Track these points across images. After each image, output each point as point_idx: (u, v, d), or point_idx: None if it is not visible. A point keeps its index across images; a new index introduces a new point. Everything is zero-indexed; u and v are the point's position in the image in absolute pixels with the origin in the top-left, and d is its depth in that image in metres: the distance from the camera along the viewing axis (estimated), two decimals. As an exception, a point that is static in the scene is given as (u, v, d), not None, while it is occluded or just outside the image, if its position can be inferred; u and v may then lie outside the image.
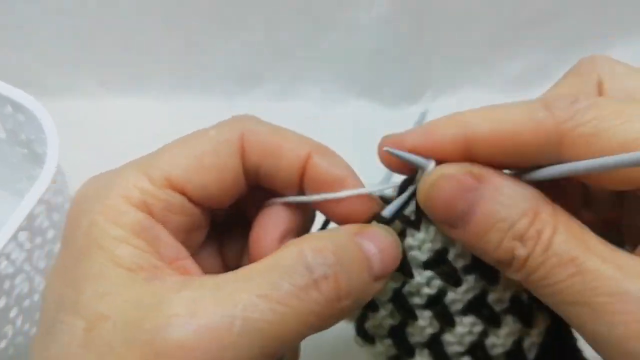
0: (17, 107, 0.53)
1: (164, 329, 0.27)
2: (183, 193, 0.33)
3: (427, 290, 0.35)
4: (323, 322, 0.30)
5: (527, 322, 0.36)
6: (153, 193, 0.32)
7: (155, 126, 0.72)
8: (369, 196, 0.35)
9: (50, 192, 0.50)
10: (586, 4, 0.72)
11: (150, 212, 0.32)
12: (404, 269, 0.35)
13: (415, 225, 0.35)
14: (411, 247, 0.35)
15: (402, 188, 0.35)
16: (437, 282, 0.35)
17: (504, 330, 0.36)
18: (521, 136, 0.31)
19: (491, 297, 0.36)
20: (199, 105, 0.75)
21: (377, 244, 0.32)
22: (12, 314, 0.50)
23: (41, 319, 0.31)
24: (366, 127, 0.74)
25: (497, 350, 0.36)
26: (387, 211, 0.34)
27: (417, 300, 0.35)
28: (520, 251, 0.30)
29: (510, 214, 0.30)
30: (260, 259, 0.31)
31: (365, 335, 0.37)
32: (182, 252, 0.34)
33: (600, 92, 0.34)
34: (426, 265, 0.35)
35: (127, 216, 0.31)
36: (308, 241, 0.31)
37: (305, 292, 0.29)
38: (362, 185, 0.35)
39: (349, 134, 0.74)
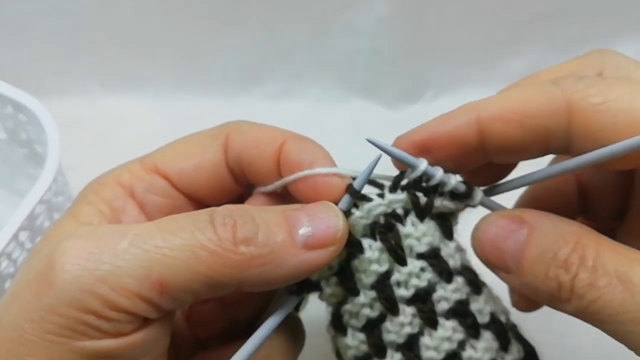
0: (18, 107, 0.53)
1: (61, 241, 0.30)
2: (166, 178, 0.36)
3: (415, 282, 0.35)
4: (217, 262, 0.30)
5: (503, 344, 0.36)
6: (139, 175, 0.36)
7: (155, 126, 0.72)
8: (339, 176, 0.35)
9: (51, 192, 0.50)
10: (586, 4, 0.72)
11: (132, 191, 0.36)
12: (353, 246, 0.34)
13: (420, 216, 0.35)
14: (409, 236, 0.35)
15: (394, 184, 0.35)
16: (429, 275, 0.35)
17: (482, 344, 0.35)
18: (531, 109, 0.33)
19: (474, 306, 0.36)
20: (199, 105, 0.75)
21: (309, 212, 0.33)
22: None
23: None
24: (366, 127, 0.75)
25: None
26: (357, 183, 0.34)
27: (403, 292, 0.35)
28: (564, 277, 0.30)
29: (553, 244, 0.31)
30: None
31: (338, 322, 0.36)
32: None
33: None
34: (421, 256, 0.35)
35: (107, 188, 0.36)
36: None
37: (199, 229, 0.30)
38: (334, 166, 0.35)
39: (349, 134, 0.74)
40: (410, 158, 0.34)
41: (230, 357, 0.33)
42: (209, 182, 0.37)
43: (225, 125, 0.37)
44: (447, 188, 0.35)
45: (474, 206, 0.37)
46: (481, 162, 0.36)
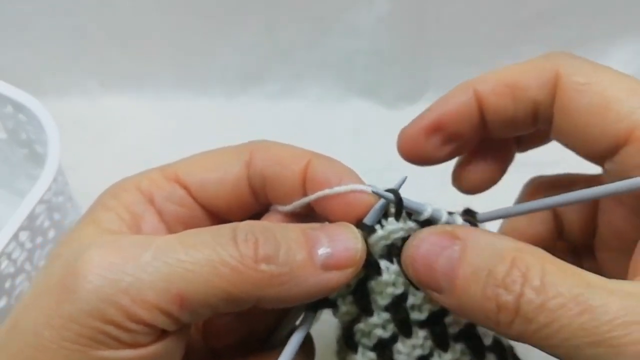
0: (18, 107, 0.53)
1: (84, 250, 0.30)
2: (186, 188, 0.36)
3: (430, 306, 0.35)
4: (237, 279, 0.30)
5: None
6: (159, 183, 0.36)
7: (155, 126, 0.72)
8: (365, 194, 0.35)
9: (51, 192, 0.50)
10: (586, 4, 0.72)
11: (151, 198, 0.36)
12: (371, 267, 0.34)
13: None
14: None
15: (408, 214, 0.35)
16: None
17: None
18: (523, 81, 0.35)
19: (480, 329, 0.36)
20: (199, 105, 0.75)
21: (329, 233, 0.33)
22: (13, 313, 0.51)
23: None
24: (366, 127, 0.75)
25: None
26: (369, 219, 0.34)
27: (417, 316, 0.35)
28: (505, 297, 0.28)
29: (488, 261, 0.30)
30: None
31: (350, 339, 0.36)
32: (162, 233, 0.36)
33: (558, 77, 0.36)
34: None
35: (126, 194, 0.36)
36: None
37: (221, 245, 0.30)
38: (361, 183, 0.35)
39: (349, 134, 0.74)
40: (416, 205, 0.34)
41: None
42: (229, 197, 0.36)
43: (250, 142, 0.38)
44: None
45: None
46: (483, 136, 0.38)
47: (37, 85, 0.66)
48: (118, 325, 0.29)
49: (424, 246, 0.33)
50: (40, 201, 0.49)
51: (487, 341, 0.37)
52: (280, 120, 0.74)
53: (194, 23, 0.73)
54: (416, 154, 0.37)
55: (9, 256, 0.48)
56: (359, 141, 0.73)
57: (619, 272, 0.37)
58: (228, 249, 0.30)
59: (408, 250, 0.33)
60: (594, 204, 0.40)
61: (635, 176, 0.31)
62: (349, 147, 0.72)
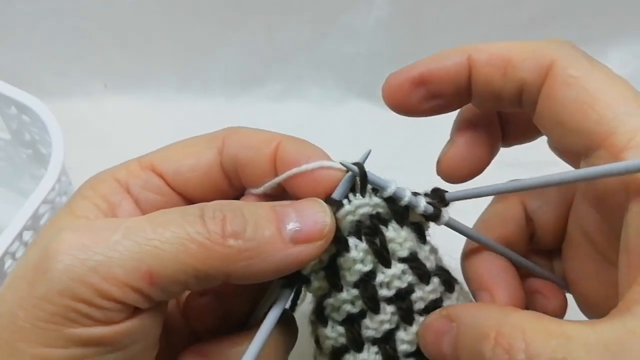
0: (22, 108, 0.54)
1: (56, 233, 0.31)
2: (161, 176, 0.37)
3: (398, 283, 0.36)
4: (205, 255, 0.30)
5: None
6: (136, 173, 0.37)
7: (157, 126, 0.73)
8: (333, 170, 0.35)
9: (54, 192, 0.51)
10: (586, 4, 0.73)
11: (128, 187, 0.36)
12: (340, 243, 0.35)
13: (400, 222, 0.36)
14: (392, 241, 0.36)
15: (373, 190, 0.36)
16: (409, 278, 0.36)
17: None
18: (517, 60, 0.35)
19: (446, 303, 0.38)
20: (200, 106, 0.75)
21: (297, 208, 0.33)
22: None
23: None
24: (366, 128, 0.75)
25: None
26: (337, 194, 0.35)
27: (385, 293, 0.36)
28: None
29: (476, 342, 0.31)
30: None
31: (320, 313, 0.37)
32: None
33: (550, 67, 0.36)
34: (403, 260, 0.36)
35: (103, 184, 0.36)
36: None
37: (189, 223, 0.31)
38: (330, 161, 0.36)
39: (348, 135, 0.74)
40: (380, 181, 0.35)
41: (227, 349, 0.34)
42: (203, 183, 0.37)
43: (224, 129, 0.38)
44: (418, 210, 0.36)
45: (440, 224, 0.38)
46: (466, 103, 0.38)
47: (40, 86, 0.67)
48: (89, 303, 0.29)
49: (429, 336, 0.35)
50: (44, 201, 0.49)
51: None
52: (280, 121, 0.74)
53: (196, 25, 0.73)
54: (399, 103, 0.37)
55: (12, 255, 0.49)
56: (359, 142, 0.74)
57: (584, 278, 0.39)
58: (196, 226, 0.31)
59: (420, 342, 0.36)
60: (566, 208, 0.40)
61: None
62: (349, 148, 0.73)
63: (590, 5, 0.73)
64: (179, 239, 0.30)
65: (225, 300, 0.38)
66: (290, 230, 0.32)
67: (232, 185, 0.38)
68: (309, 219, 0.33)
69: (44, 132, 0.53)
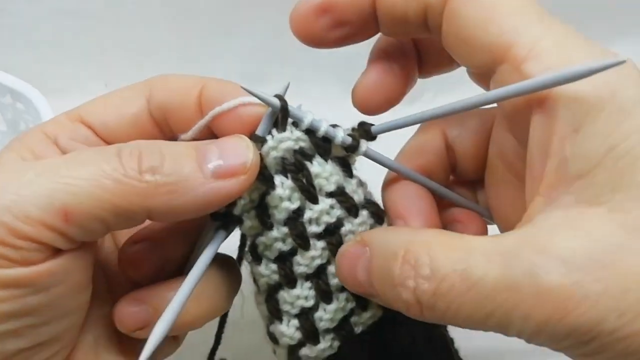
0: (16, 95, 0.54)
1: None
2: (90, 127, 0.37)
3: (326, 218, 0.36)
4: (122, 190, 0.30)
5: None
6: (63, 125, 0.36)
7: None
8: (256, 106, 0.35)
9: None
10: (586, 4, 0.73)
11: (55, 139, 0.36)
12: (266, 181, 0.35)
13: (324, 156, 0.36)
14: (318, 176, 0.36)
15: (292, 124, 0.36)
16: (338, 212, 0.36)
17: None
18: None
19: None
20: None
21: (220, 144, 0.33)
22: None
23: None
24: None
25: None
26: (260, 130, 0.35)
27: (314, 229, 0.36)
28: (405, 295, 0.30)
29: (386, 261, 0.31)
30: None
31: (254, 252, 0.37)
32: None
33: None
34: (331, 194, 0.36)
35: (30, 136, 0.36)
36: None
37: (105, 161, 0.31)
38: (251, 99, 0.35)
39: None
40: (298, 113, 0.36)
41: (163, 292, 0.35)
42: (132, 132, 0.37)
43: (151, 78, 0.38)
44: (336, 141, 0.36)
45: (358, 155, 0.38)
46: (374, 32, 0.38)
47: (41, 86, 0.67)
48: (4, 243, 0.29)
49: (345, 261, 0.35)
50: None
51: None
52: (279, 120, 0.74)
53: (197, 26, 0.74)
54: (306, 33, 0.38)
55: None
56: (358, 141, 0.73)
57: (505, 205, 0.39)
58: (112, 163, 0.30)
59: (337, 270, 0.36)
60: (486, 136, 0.40)
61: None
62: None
63: (590, 6, 0.73)
64: (94, 175, 0.30)
65: (161, 248, 0.38)
66: (212, 165, 0.32)
67: (163, 133, 0.38)
68: (231, 153, 0.33)
69: (37, 119, 0.53)
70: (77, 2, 0.71)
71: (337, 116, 0.75)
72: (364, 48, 0.76)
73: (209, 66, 0.76)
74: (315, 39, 0.38)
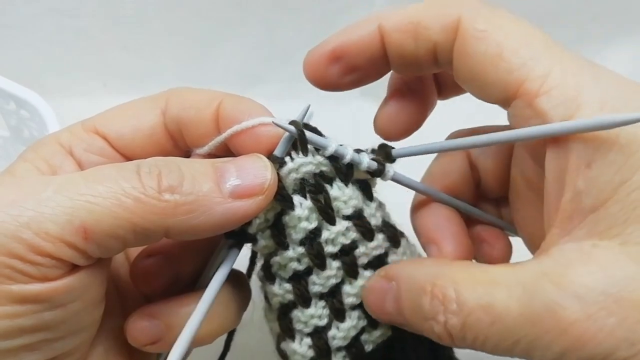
0: (21, 103, 0.54)
1: None
2: (105, 138, 0.37)
3: (342, 240, 0.37)
4: (141, 209, 0.30)
5: None
6: (79, 135, 0.36)
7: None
8: (274, 128, 0.35)
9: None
10: (583, 5, 0.73)
11: (70, 150, 0.36)
12: (284, 201, 0.35)
13: (345, 180, 0.37)
14: (337, 199, 0.36)
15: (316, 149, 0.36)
16: (353, 235, 0.37)
17: None
18: (425, 21, 0.34)
19: (391, 258, 0.38)
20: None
21: (238, 163, 0.33)
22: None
23: None
24: (366, 127, 0.74)
25: None
26: (278, 151, 0.35)
27: (330, 249, 0.36)
28: (437, 328, 0.32)
29: (416, 296, 0.33)
30: None
31: (267, 271, 0.37)
32: None
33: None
34: (347, 217, 0.37)
35: (45, 147, 0.36)
36: None
37: (124, 178, 0.31)
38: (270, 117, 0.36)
39: (348, 135, 0.74)
40: (321, 141, 0.36)
41: (175, 308, 0.35)
42: (147, 145, 0.37)
43: (167, 90, 0.38)
44: (361, 167, 0.36)
45: (386, 180, 0.38)
46: (386, 71, 0.38)
47: (39, 86, 0.66)
48: (23, 259, 0.29)
49: (372, 297, 0.36)
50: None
51: None
52: (280, 120, 0.74)
53: (195, 25, 0.73)
54: (320, 80, 0.38)
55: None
56: (359, 141, 0.73)
57: (528, 221, 0.40)
58: (131, 181, 0.30)
59: (365, 302, 0.37)
60: (508, 155, 0.41)
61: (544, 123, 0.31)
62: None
63: (588, 7, 0.74)
64: (114, 193, 0.30)
65: (173, 262, 0.38)
66: (230, 185, 0.32)
67: (178, 147, 0.38)
68: (250, 173, 0.33)
69: (42, 127, 0.53)
70: (77, 2, 0.70)
71: (337, 115, 0.76)
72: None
73: (208, 66, 0.76)
74: (330, 85, 0.38)
